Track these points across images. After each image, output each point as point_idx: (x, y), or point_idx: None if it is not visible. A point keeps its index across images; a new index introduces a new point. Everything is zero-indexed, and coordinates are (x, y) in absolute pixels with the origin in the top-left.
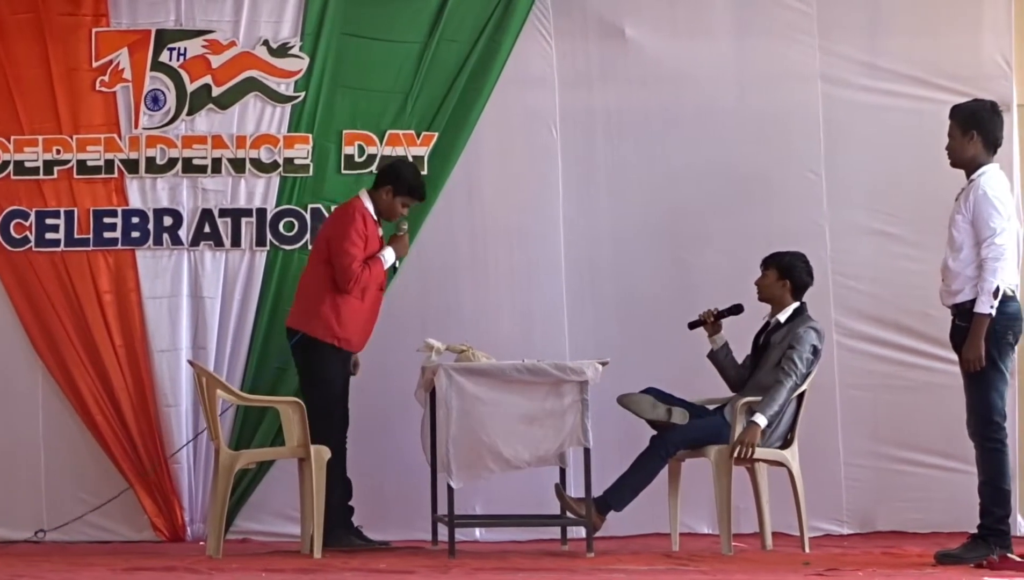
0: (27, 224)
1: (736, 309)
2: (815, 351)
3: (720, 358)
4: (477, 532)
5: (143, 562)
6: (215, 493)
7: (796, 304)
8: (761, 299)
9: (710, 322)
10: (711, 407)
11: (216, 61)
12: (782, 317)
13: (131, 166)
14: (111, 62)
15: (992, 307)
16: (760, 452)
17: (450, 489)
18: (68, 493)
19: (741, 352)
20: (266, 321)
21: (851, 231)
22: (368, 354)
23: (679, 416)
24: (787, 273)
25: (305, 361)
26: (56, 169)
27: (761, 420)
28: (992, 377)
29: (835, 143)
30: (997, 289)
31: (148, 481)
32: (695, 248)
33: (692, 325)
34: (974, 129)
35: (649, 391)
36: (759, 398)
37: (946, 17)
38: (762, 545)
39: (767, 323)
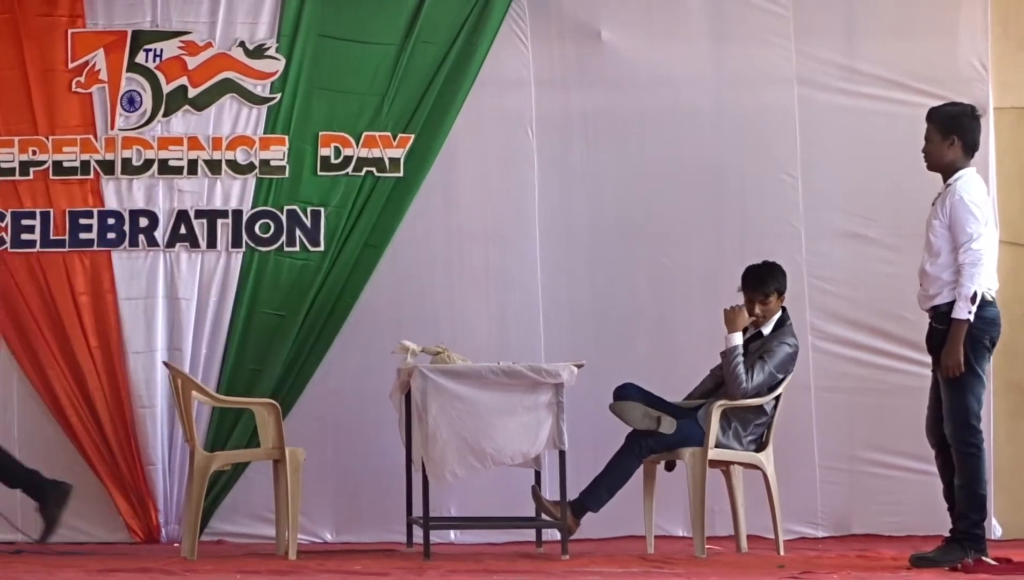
0: (2, 225)
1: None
2: (785, 365)
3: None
4: (452, 534)
5: (117, 563)
6: (190, 495)
7: (779, 314)
8: (760, 325)
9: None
10: (687, 408)
11: (192, 62)
12: (765, 329)
13: (107, 167)
14: (87, 63)
15: (970, 313)
16: (735, 455)
17: (425, 491)
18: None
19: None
20: (242, 323)
21: (827, 234)
22: (342, 356)
23: (667, 426)
24: (784, 290)
25: None
26: (32, 170)
27: (735, 339)
28: (970, 381)
29: (811, 146)
30: (975, 294)
31: (123, 482)
32: (671, 250)
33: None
34: (954, 134)
35: (628, 387)
36: (733, 402)
37: (922, 20)
38: (737, 548)
39: (745, 329)
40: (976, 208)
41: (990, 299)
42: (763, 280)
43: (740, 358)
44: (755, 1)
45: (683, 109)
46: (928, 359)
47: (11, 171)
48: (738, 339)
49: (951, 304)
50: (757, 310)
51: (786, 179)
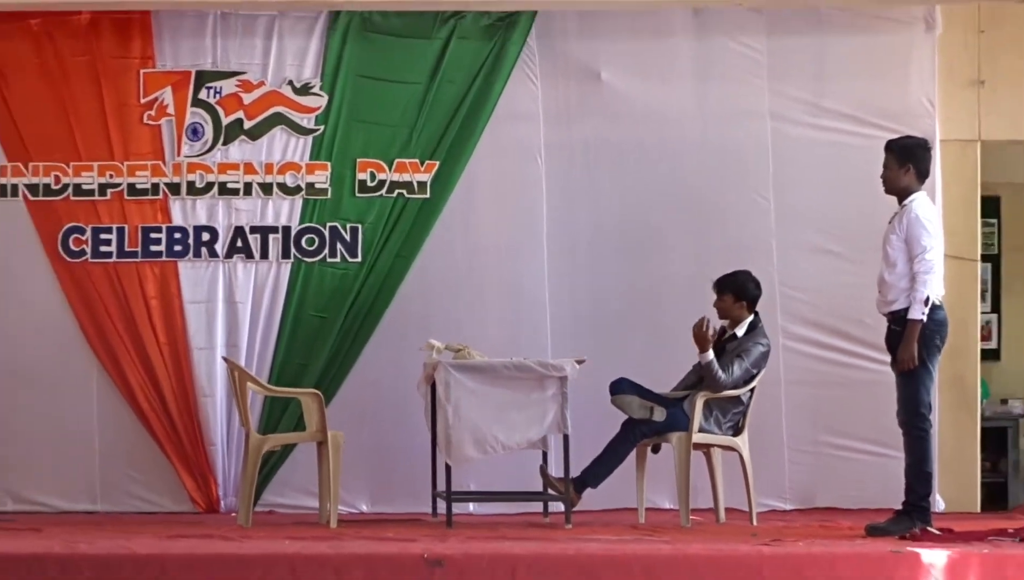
0: (84, 239)
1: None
2: (758, 363)
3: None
4: (471, 506)
5: (184, 530)
6: (245, 472)
7: (751, 317)
8: (721, 318)
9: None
10: (673, 399)
11: (247, 98)
12: (739, 331)
13: (174, 189)
14: (157, 99)
15: (923, 314)
16: (715, 439)
17: (448, 468)
18: (119, 470)
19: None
20: (290, 323)
21: (795, 248)
22: (377, 352)
23: (659, 414)
24: (742, 295)
25: None
26: (109, 191)
27: (708, 356)
28: (921, 375)
29: (782, 171)
30: (927, 299)
31: (188, 460)
32: (660, 262)
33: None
34: (909, 162)
35: (621, 382)
36: (715, 394)
37: (879, 63)
38: (716, 519)
39: (723, 330)
40: (929, 224)
41: (939, 303)
42: (724, 282)
43: (716, 367)
44: (733, 46)
45: (672, 139)
46: (884, 357)
47: (91, 192)
48: (710, 355)
49: (907, 309)
50: (717, 303)
51: (760, 201)
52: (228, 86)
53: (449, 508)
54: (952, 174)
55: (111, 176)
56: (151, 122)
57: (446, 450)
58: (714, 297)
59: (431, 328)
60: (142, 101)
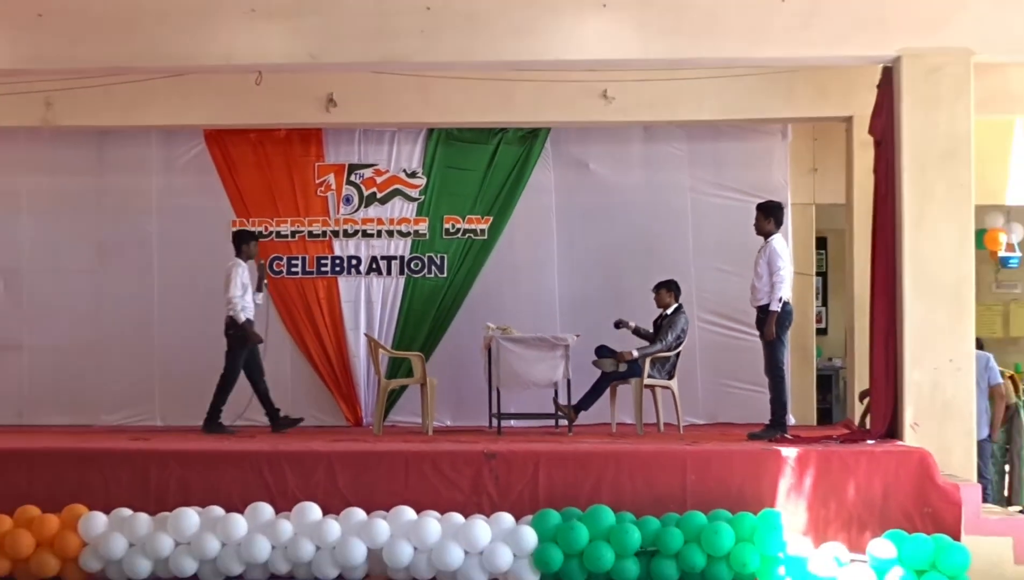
0: (282, 264)
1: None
2: (682, 332)
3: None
4: (512, 422)
5: (340, 436)
6: (378, 401)
7: (676, 305)
8: (659, 306)
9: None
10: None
11: (379, 180)
12: (668, 312)
13: (335, 234)
14: (324, 180)
15: (778, 307)
16: (658, 382)
17: (498, 399)
18: (302, 400)
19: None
20: (404, 313)
21: (705, 268)
22: (457, 331)
23: (623, 367)
24: (670, 289)
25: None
26: (297, 235)
27: (635, 352)
28: (777, 344)
29: (697, 223)
30: (781, 298)
31: (344, 394)
32: (623, 276)
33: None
34: (772, 216)
35: (602, 348)
36: (657, 354)
37: (754, 157)
38: (658, 429)
39: (662, 314)
40: (782, 253)
41: (787, 301)
42: (660, 284)
43: (648, 349)
44: (667, 148)
45: (630, 204)
46: (755, 333)
47: (286, 236)
48: (635, 353)
49: (769, 304)
50: (656, 298)
51: (683, 240)
52: (367, 173)
53: (499, 423)
54: (798, 224)
55: (298, 226)
56: (321, 194)
57: (497, 387)
58: (654, 295)
59: (488, 316)
60: (316, 182)
